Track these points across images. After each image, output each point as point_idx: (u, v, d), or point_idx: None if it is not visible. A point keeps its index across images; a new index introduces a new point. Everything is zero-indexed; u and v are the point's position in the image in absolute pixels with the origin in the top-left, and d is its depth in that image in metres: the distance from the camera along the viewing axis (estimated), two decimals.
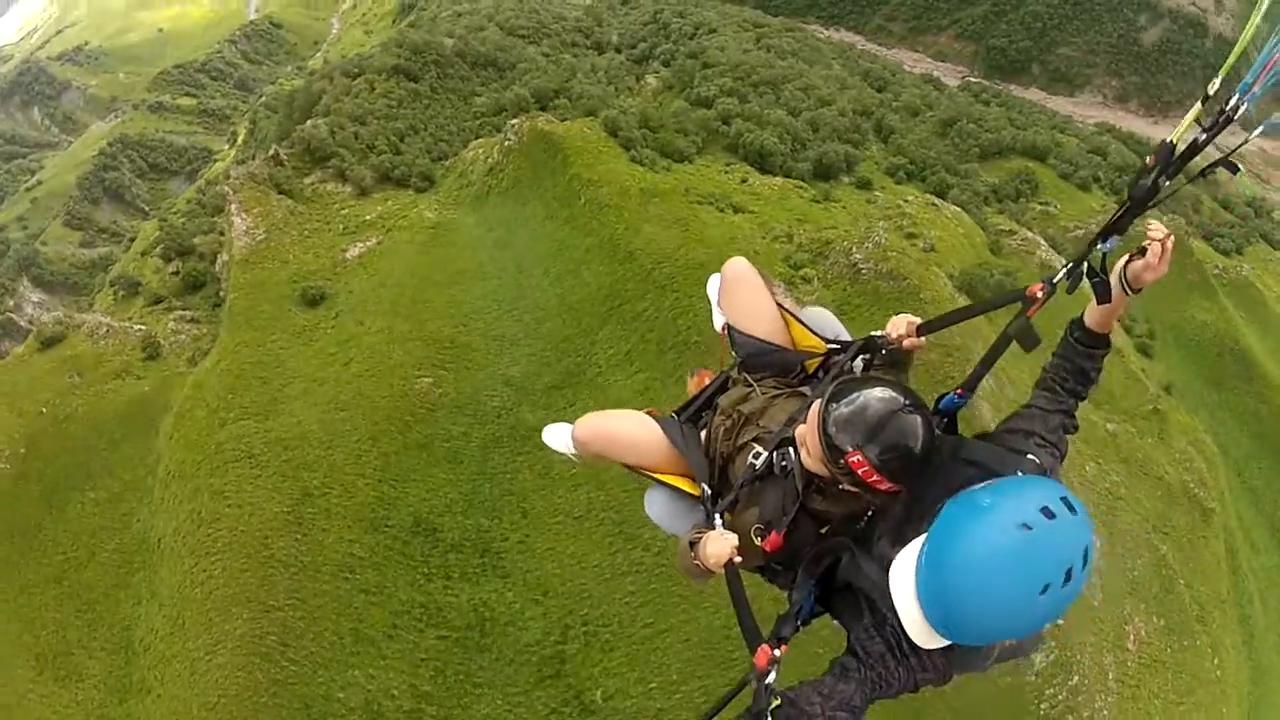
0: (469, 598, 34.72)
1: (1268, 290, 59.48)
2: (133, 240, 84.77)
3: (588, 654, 33.32)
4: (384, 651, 33.67)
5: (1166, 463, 41.43)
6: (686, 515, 5.38)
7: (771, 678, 3.88)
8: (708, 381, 6.05)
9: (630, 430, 5.64)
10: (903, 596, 3.64)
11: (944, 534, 3.47)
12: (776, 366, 5.59)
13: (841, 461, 3.99)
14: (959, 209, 52.33)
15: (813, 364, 5.56)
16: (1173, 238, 3.91)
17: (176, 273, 56.78)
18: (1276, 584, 45.33)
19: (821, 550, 4.53)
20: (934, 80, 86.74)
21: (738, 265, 5.91)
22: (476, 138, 57.23)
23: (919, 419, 3.98)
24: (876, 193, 54.36)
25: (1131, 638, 34.28)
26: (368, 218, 49.88)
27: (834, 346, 5.49)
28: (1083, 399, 4.52)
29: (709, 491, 5.11)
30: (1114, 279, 4.07)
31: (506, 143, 49.68)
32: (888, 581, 3.88)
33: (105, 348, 46.45)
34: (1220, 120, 3.78)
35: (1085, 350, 4.40)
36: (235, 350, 42.05)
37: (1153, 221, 3.96)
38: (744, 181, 50.20)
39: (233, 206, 50.24)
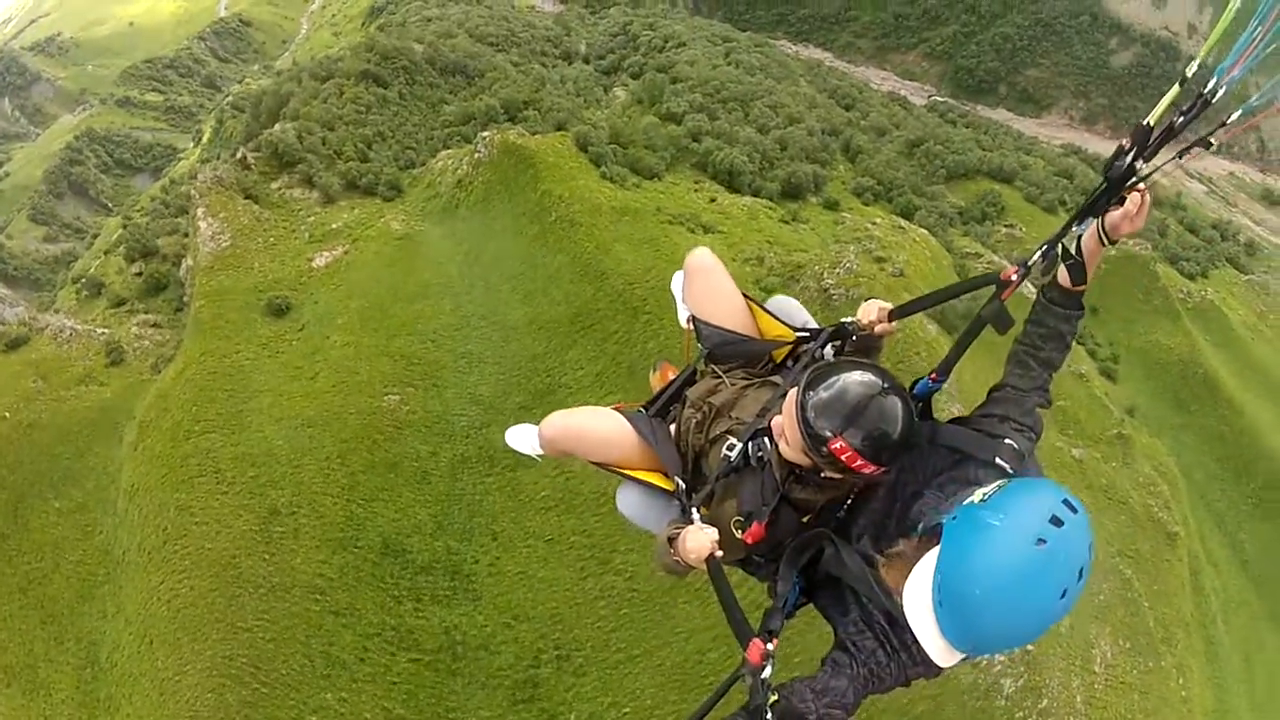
0: (440, 621, 33.98)
1: (1232, 313, 59.78)
2: (95, 237, 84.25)
3: (560, 678, 32.77)
4: (355, 674, 32.92)
5: (1131, 487, 41.52)
6: (661, 511, 5.34)
7: (767, 672, 3.83)
8: (672, 376, 6.11)
9: (598, 427, 5.57)
10: (922, 626, 3.59)
11: (957, 560, 3.43)
12: (744, 357, 5.59)
13: (824, 449, 3.98)
14: (926, 232, 52.07)
15: (780, 353, 5.59)
16: (1149, 194, 4.00)
17: (139, 274, 55.56)
18: (1239, 604, 45.72)
19: (803, 542, 4.47)
20: (901, 99, 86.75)
21: (702, 256, 5.86)
22: (445, 147, 56.35)
23: (899, 401, 3.97)
24: (844, 214, 54.11)
25: (1099, 661, 34.38)
26: (334, 226, 48.73)
27: (803, 334, 5.50)
28: (1056, 369, 4.50)
29: (683, 485, 5.11)
30: (1091, 230, 4.13)
31: (477, 155, 48.72)
32: (869, 575, 4.00)
33: (69, 352, 45.29)
34: (1198, 103, 3.81)
35: (1062, 312, 4.39)
36: (200, 360, 40.89)
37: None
38: (713, 200, 49.53)
39: (199, 211, 48.82)
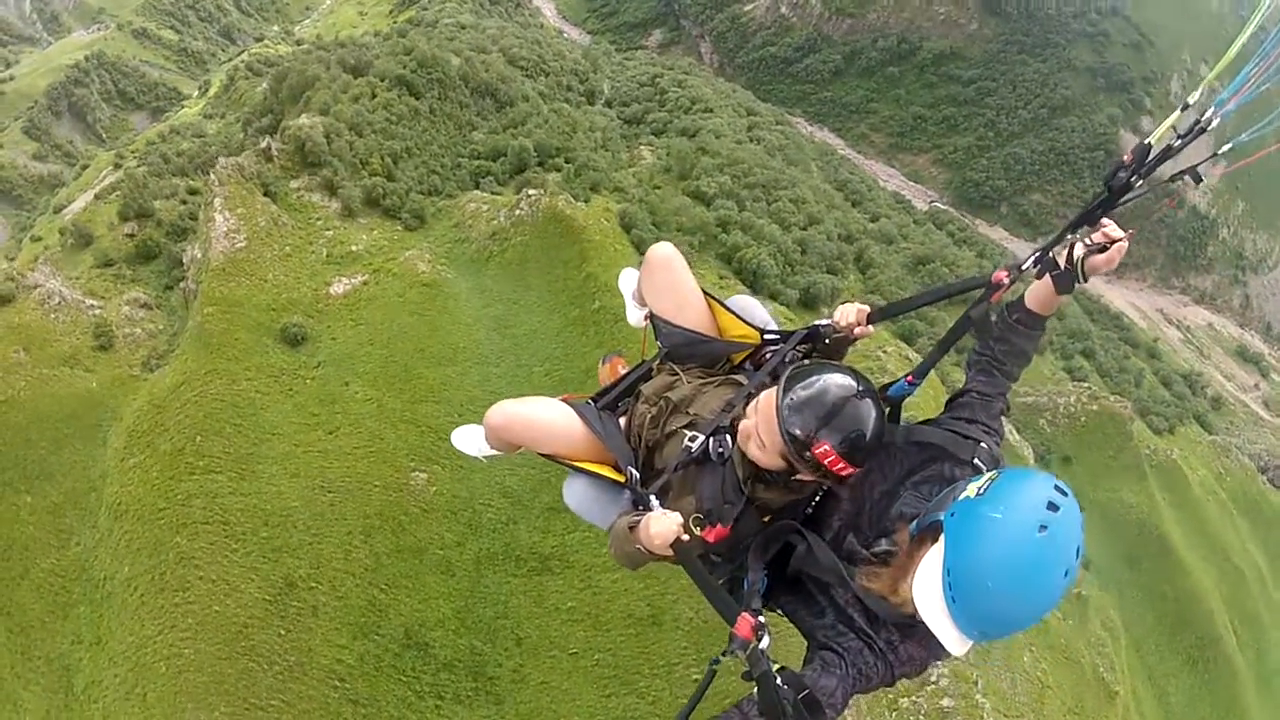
0: None
1: (1191, 473, 59.53)
2: (84, 168, 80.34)
3: None
4: None
5: (1083, 646, 41.23)
6: (609, 504, 5.20)
7: (765, 643, 3.72)
8: (622, 370, 6.09)
9: (546, 417, 5.39)
10: (936, 620, 3.58)
11: (965, 555, 3.46)
12: (704, 357, 5.49)
13: (806, 453, 3.98)
14: None
15: (740, 355, 5.53)
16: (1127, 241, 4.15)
17: (131, 235, 52.33)
18: None
19: (771, 534, 4.47)
20: (905, 202, 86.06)
21: (664, 250, 5.69)
22: (474, 180, 53.76)
23: (873, 402, 4.03)
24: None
25: None
26: (354, 248, 45.36)
27: (771, 336, 5.43)
28: (1016, 380, 4.61)
29: (637, 475, 4.95)
30: (1071, 244, 4.25)
31: (518, 212, 45.62)
32: (842, 569, 4.07)
33: (56, 324, 41.67)
34: (1194, 130, 4.12)
35: (1026, 332, 4.52)
36: (204, 379, 37.49)
37: (1108, 222, 4.26)
38: None
39: (216, 201, 44.82)
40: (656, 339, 5.64)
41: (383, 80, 57.52)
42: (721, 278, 50.06)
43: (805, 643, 4.28)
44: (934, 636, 3.73)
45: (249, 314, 40.51)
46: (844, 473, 4.05)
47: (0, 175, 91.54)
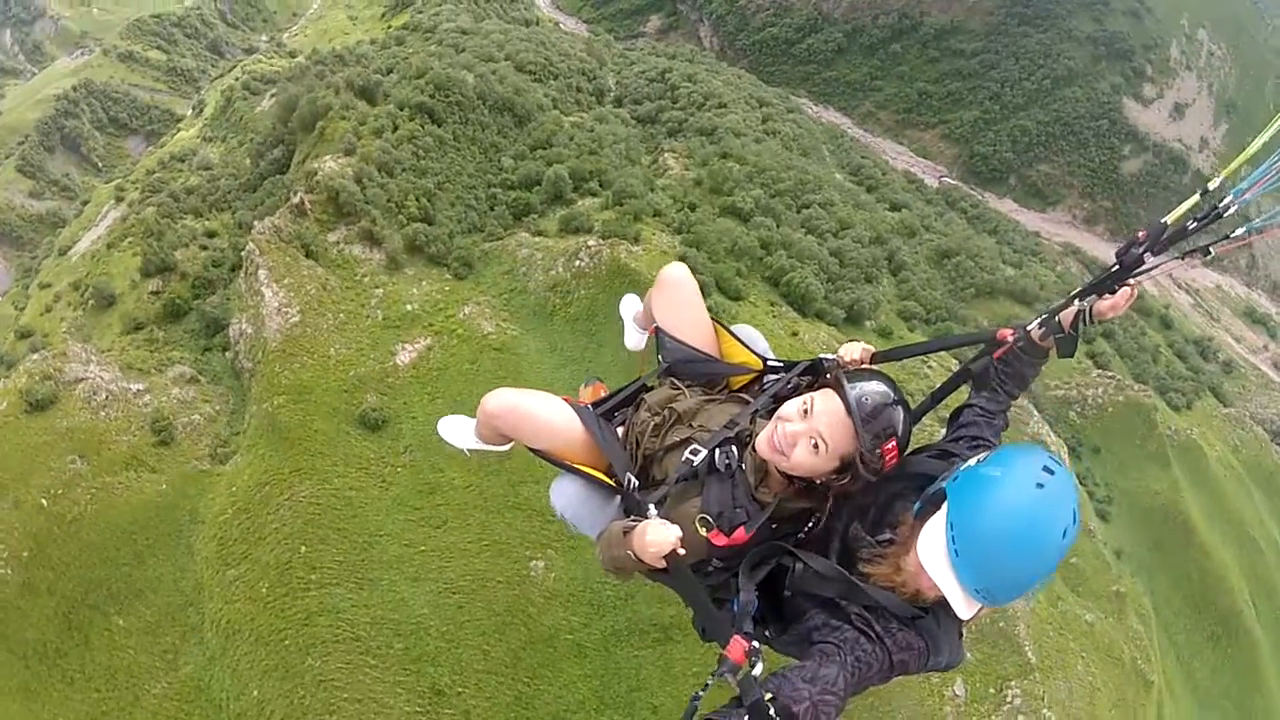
0: None
1: (1210, 449, 60.09)
2: (85, 203, 78.26)
3: None
4: None
5: (1123, 641, 42.01)
6: (599, 509, 5.13)
7: (759, 669, 3.72)
8: (604, 394, 5.88)
9: (545, 411, 5.27)
10: (942, 577, 3.66)
11: (967, 509, 3.61)
12: (703, 377, 5.50)
13: (877, 450, 4.08)
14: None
15: (739, 380, 5.52)
16: (1137, 289, 4.39)
17: (157, 293, 50.44)
18: None
19: (760, 554, 4.44)
20: (917, 181, 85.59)
21: (678, 271, 5.73)
22: (512, 213, 51.84)
23: (904, 407, 4.20)
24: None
25: None
26: (408, 307, 43.50)
27: (774, 364, 5.44)
28: (1016, 399, 4.87)
29: (634, 482, 4.82)
30: (1076, 311, 4.51)
31: (577, 263, 44.05)
32: (841, 572, 4.10)
33: (108, 422, 38.90)
34: (1210, 214, 4.15)
35: (1029, 360, 4.80)
36: (290, 479, 36.03)
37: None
38: (794, 335, 45.96)
39: (261, 273, 42.74)
40: (659, 353, 5.61)
41: (402, 109, 55.03)
42: (772, 304, 49.23)
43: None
44: (934, 630, 3.93)
45: (321, 399, 39.04)
46: (894, 462, 4.17)
47: (0, 219, 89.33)
